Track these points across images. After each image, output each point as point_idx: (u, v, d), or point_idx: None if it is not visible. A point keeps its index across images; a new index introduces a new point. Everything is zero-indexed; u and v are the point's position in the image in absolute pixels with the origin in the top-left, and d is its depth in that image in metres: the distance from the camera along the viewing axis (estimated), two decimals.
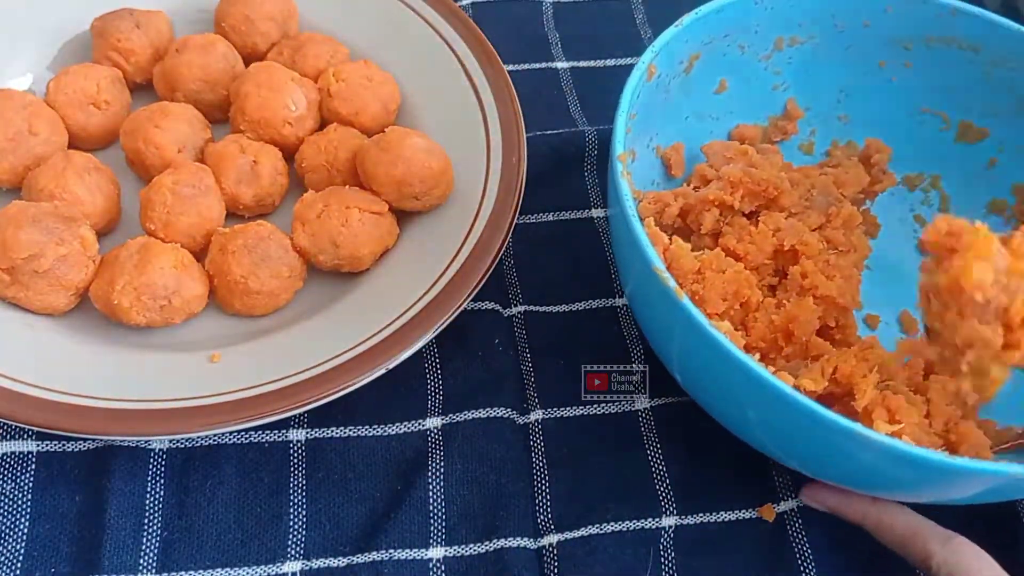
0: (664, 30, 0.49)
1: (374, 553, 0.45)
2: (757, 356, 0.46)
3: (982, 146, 0.57)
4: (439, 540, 0.46)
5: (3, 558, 0.43)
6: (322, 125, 0.57)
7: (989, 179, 0.57)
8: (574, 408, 0.51)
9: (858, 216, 0.52)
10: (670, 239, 0.46)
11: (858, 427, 0.36)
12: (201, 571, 0.44)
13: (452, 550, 0.46)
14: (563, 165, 0.61)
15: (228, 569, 0.44)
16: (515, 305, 0.54)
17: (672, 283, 0.39)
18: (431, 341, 0.49)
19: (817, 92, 0.58)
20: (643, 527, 0.47)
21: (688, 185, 0.55)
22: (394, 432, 0.49)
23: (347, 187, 0.53)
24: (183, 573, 0.44)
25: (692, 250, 0.46)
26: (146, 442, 0.47)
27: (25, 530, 0.44)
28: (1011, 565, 0.47)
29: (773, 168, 0.53)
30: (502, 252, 0.51)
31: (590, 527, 0.47)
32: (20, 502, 0.45)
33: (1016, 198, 0.56)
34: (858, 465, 0.39)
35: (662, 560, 0.46)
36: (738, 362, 0.37)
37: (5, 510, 0.45)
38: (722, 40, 0.53)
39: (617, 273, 0.56)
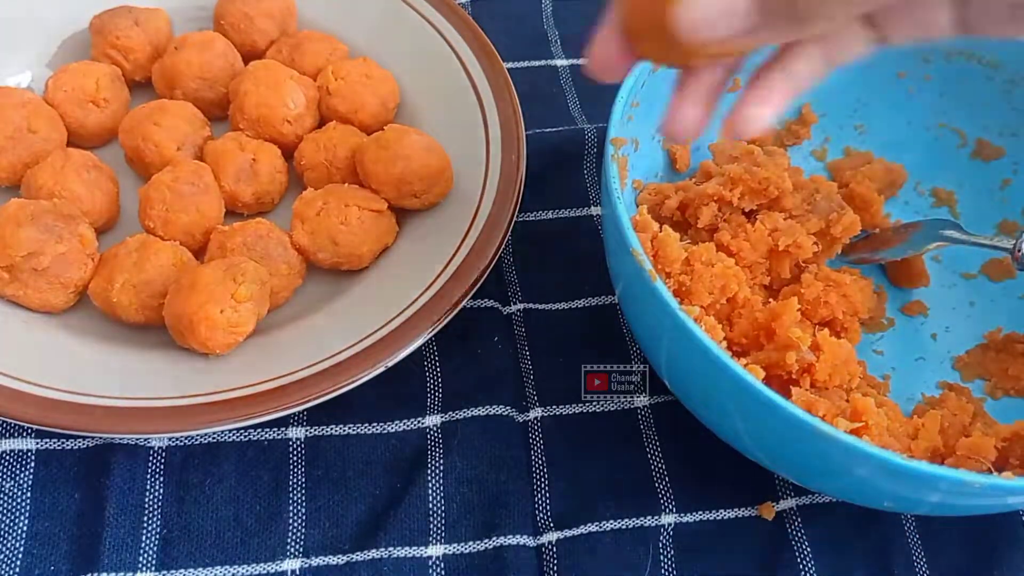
0: None
1: (373, 551, 0.45)
2: (746, 359, 0.45)
3: (997, 165, 0.56)
4: (438, 538, 0.46)
5: (3, 556, 0.43)
6: (321, 123, 0.57)
7: (1002, 199, 0.56)
8: (573, 406, 0.51)
9: (858, 224, 0.52)
10: (660, 228, 0.46)
11: (813, 419, 0.36)
12: (200, 569, 0.44)
13: (451, 548, 0.46)
14: (562, 163, 0.60)
15: (227, 567, 0.44)
16: (514, 303, 0.54)
17: (648, 265, 0.39)
18: (430, 339, 0.49)
19: (834, 99, 0.58)
20: (642, 525, 0.47)
21: (692, 180, 0.55)
22: (393, 430, 0.49)
23: (346, 185, 0.53)
24: (182, 571, 0.44)
25: (689, 244, 0.46)
26: (145, 440, 0.47)
27: (24, 528, 0.44)
28: (1010, 566, 0.47)
29: (777, 170, 0.53)
30: (501, 250, 0.51)
31: (589, 525, 0.47)
32: (19, 500, 0.45)
33: None
34: (832, 467, 0.39)
35: (661, 558, 0.46)
36: (701, 346, 0.37)
37: (4, 508, 0.45)
38: None
39: None
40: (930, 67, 0.55)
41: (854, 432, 0.39)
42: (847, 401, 0.44)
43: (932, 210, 0.58)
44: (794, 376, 0.44)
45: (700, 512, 0.48)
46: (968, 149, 0.57)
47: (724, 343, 0.45)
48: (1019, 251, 0.47)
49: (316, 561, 0.45)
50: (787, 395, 0.41)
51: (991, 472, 0.43)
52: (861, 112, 0.58)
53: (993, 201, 0.57)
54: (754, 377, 0.37)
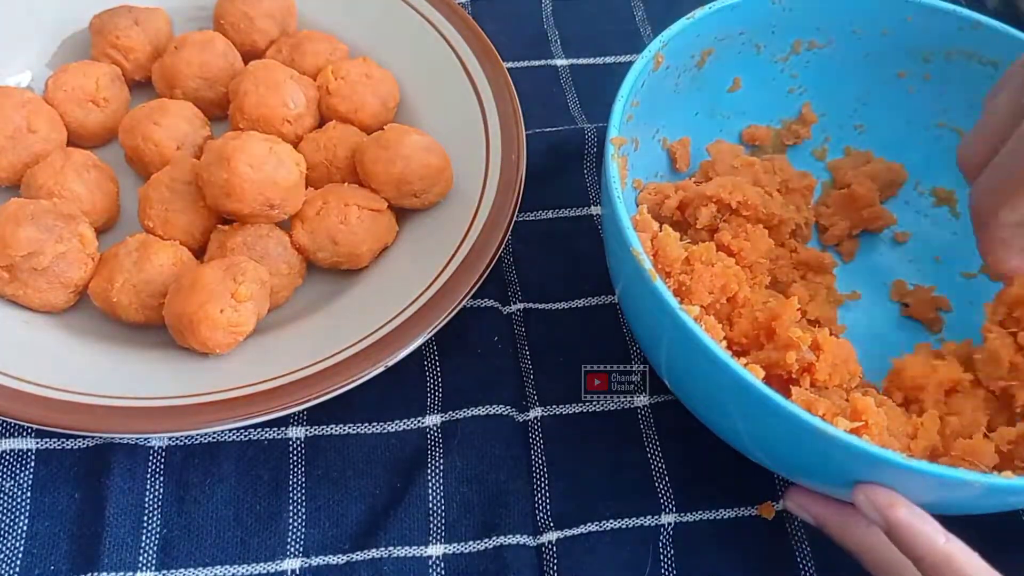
0: (664, 28, 0.49)
1: (373, 551, 0.45)
2: (746, 359, 0.45)
3: None
4: (438, 537, 0.46)
5: (3, 555, 0.43)
6: (321, 123, 0.57)
7: None
8: (573, 405, 0.51)
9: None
10: (660, 227, 0.46)
11: (812, 418, 0.36)
12: (200, 568, 0.44)
13: (451, 547, 0.46)
14: (562, 163, 0.60)
15: (227, 566, 0.44)
16: (514, 303, 0.54)
17: (648, 264, 0.39)
18: (430, 338, 0.49)
19: (834, 99, 0.58)
20: (642, 524, 0.47)
21: (692, 180, 0.55)
22: (393, 429, 0.49)
23: (346, 184, 0.53)
24: (182, 570, 0.44)
25: (689, 244, 0.46)
26: (145, 439, 0.47)
27: (24, 527, 0.44)
28: (1009, 565, 0.47)
29: (773, 180, 0.54)
30: (501, 249, 0.51)
31: (589, 524, 0.47)
32: (19, 499, 0.45)
33: None
34: (833, 467, 0.39)
35: (661, 558, 0.46)
36: (700, 345, 0.37)
37: (4, 507, 0.45)
38: (737, 37, 0.53)
39: None
40: (930, 66, 0.55)
41: (854, 431, 0.39)
42: (847, 400, 0.44)
43: (932, 209, 0.58)
44: (794, 376, 0.44)
45: (700, 512, 0.48)
46: None
47: (724, 343, 0.45)
48: None
49: (316, 561, 0.45)
50: (787, 394, 0.41)
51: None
52: (861, 112, 0.58)
53: None
54: (754, 377, 0.37)
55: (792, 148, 0.59)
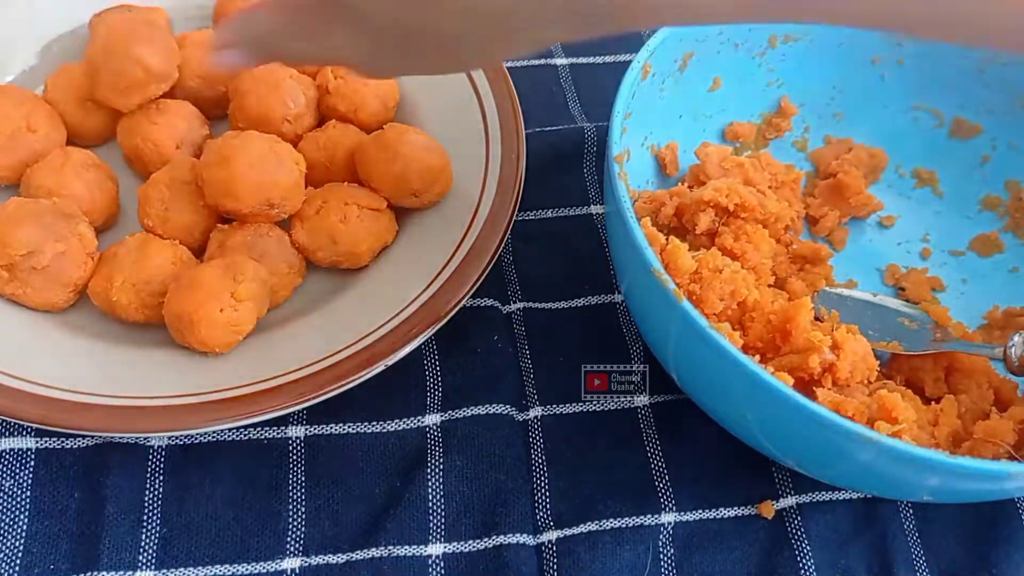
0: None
1: (373, 550, 0.45)
2: (757, 357, 0.46)
3: (976, 142, 0.57)
4: (438, 537, 0.46)
5: (3, 554, 0.43)
6: (321, 122, 0.57)
7: (983, 175, 0.57)
8: (573, 405, 0.51)
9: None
10: (667, 239, 0.46)
11: (859, 427, 0.36)
12: (200, 567, 0.44)
13: (451, 547, 0.46)
14: (562, 162, 0.60)
15: (227, 566, 0.44)
16: (514, 302, 0.54)
17: (672, 285, 0.39)
18: (430, 338, 0.49)
19: (811, 89, 0.58)
20: (642, 524, 0.47)
21: (683, 184, 0.55)
22: (393, 429, 0.49)
23: (345, 184, 0.53)
24: (182, 569, 0.44)
25: (688, 249, 0.46)
26: (145, 439, 0.47)
27: (24, 526, 0.44)
28: (1008, 564, 0.47)
29: (763, 177, 0.54)
30: (501, 249, 0.51)
31: (589, 524, 0.47)
32: (19, 498, 0.45)
33: (1009, 194, 0.57)
34: (856, 464, 0.39)
35: (661, 557, 0.46)
36: (740, 365, 0.37)
37: (4, 506, 0.45)
38: (716, 37, 0.53)
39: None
40: (903, 50, 0.56)
41: (895, 435, 0.39)
42: (869, 396, 0.44)
43: (915, 191, 0.59)
44: (816, 377, 0.44)
45: (700, 511, 0.48)
46: (946, 128, 0.58)
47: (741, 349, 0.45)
48: (1011, 355, 0.47)
49: (316, 560, 0.45)
50: (809, 394, 0.41)
51: (1011, 455, 0.43)
52: (839, 100, 0.59)
53: (974, 177, 0.58)
54: (790, 388, 0.37)
55: (774, 141, 0.59)
